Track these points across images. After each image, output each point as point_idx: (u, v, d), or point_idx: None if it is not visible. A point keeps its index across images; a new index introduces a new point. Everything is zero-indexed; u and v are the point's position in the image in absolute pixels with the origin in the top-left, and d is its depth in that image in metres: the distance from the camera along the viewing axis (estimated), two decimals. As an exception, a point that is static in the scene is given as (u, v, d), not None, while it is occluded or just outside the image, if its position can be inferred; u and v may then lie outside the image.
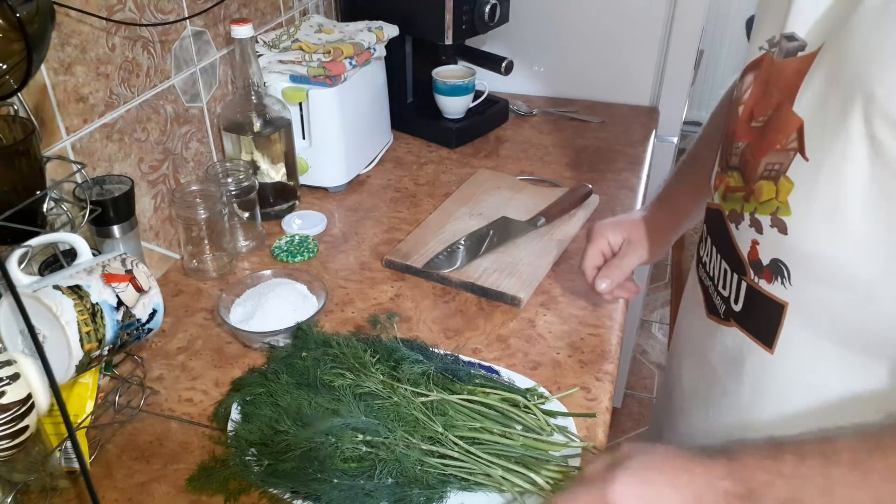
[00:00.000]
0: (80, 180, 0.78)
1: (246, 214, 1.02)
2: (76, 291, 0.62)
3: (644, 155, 1.31)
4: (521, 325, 0.88)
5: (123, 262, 0.68)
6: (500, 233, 1.03)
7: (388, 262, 0.99)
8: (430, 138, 1.36)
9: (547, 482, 0.63)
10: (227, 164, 1.01)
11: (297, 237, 1.04)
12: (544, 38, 1.51)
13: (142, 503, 0.66)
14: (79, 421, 0.67)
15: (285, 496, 0.64)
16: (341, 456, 0.62)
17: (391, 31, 1.23)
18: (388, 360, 0.73)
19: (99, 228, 0.83)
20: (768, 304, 0.59)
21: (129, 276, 0.67)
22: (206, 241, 0.97)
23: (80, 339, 0.61)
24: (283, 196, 1.12)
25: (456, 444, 0.65)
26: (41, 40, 0.58)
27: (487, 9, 1.26)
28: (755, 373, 0.64)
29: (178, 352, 0.85)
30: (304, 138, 1.15)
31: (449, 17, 1.22)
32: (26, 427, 0.58)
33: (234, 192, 0.98)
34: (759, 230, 0.58)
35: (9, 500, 0.63)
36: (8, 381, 0.56)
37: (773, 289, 0.59)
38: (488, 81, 1.39)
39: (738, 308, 0.64)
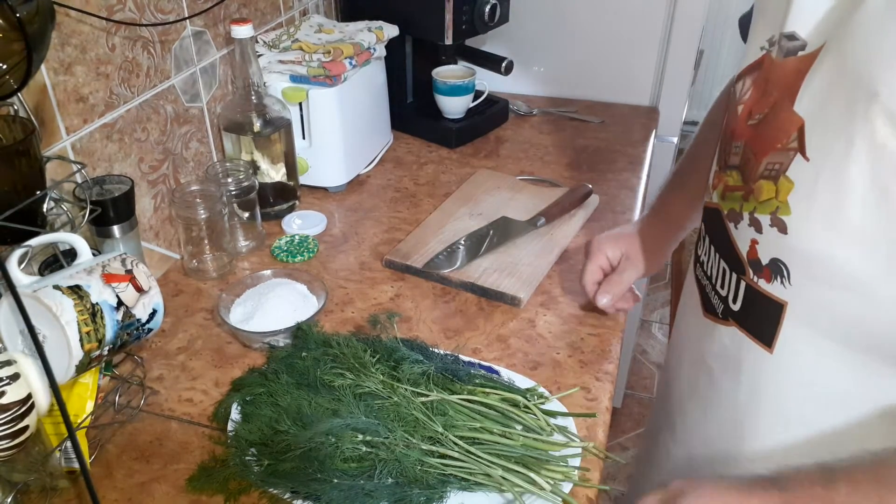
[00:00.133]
0: (80, 180, 0.78)
1: (246, 214, 1.02)
2: (76, 291, 0.62)
3: (644, 155, 1.31)
4: (521, 325, 0.88)
5: (123, 262, 0.68)
6: (500, 233, 1.03)
7: (388, 262, 0.99)
8: (430, 138, 1.36)
9: (547, 482, 0.63)
10: (227, 164, 1.01)
11: (297, 237, 1.04)
12: (544, 38, 1.51)
13: (142, 503, 0.66)
14: (79, 421, 0.67)
15: (285, 496, 0.64)
16: (341, 456, 0.62)
17: (391, 31, 1.23)
18: (388, 360, 0.73)
19: (99, 228, 0.83)
20: (767, 303, 0.59)
21: (129, 276, 0.67)
22: (206, 241, 0.97)
23: (80, 339, 0.61)
24: (283, 196, 1.12)
25: (456, 444, 0.65)
26: (41, 40, 0.58)
27: (487, 9, 1.26)
28: (753, 372, 0.64)
29: (178, 352, 0.85)
30: (304, 138, 1.15)
31: (449, 17, 1.22)
32: (26, 427, 0.58)
33: (234, 192, 0.98)
34: (759, 229, 0.58)
35: (9, 500, 0.64)
36: (8, 381, 0.56)
37: (773, 288, 0.59)
38: (488, 81, 1.39)
39: (736, 307, 0.64)
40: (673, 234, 0.88)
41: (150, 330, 0.69)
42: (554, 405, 0.73)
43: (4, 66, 0.58)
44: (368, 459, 0.63)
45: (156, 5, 0.90)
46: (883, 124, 0.47)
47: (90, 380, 0.68)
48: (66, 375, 0.62)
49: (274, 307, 0.83)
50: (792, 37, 0.55)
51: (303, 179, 1.16)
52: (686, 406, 0.76)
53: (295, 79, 1.11)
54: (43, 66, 0.75)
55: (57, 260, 0.73)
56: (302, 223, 1.09)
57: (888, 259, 0.50)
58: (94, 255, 0.68)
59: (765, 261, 0.58)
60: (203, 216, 0.93)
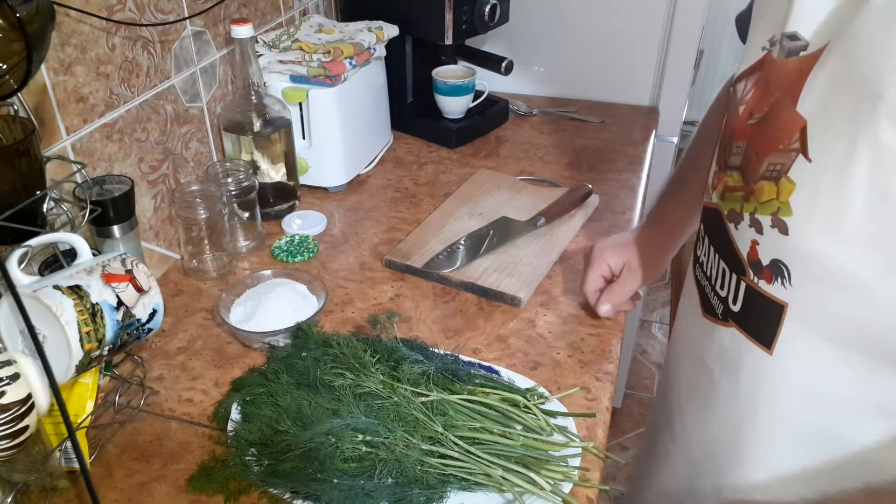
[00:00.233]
0: (80, 180, 0.78)
1: (246, 214, 1.02)
2: (76, 291, 0.62)
3: (644, 155, 1.31)
4: (521, 325, 0.88)
5: (123, 262, 0.68)
6: (500, 233, 1.03)
7: (388, 262, 0.99)
8: (430, 138, 1.36)
9: (547, 482, 0.63)
10: (227, 164, 1.01)
11: (297, 237, 1.04)
12: (544, 38, 1.51)
13: (142, 503, 0.66)
14: (79, 421, 0.67)
15: (285, 496, 0.64)
16: (341, 456, 0.62)
17: (391, 31, 1.23)
18: (388, 360, 0.73)
19: (99, 228, 0.83)
20: (768, 304, 0.59)
21: (129, 276, 0.67)
22: (206, 241, 0.97)
23: (80, 339, 0.61)
24: (283, 196, 1.12)
25: (456, 444, 0.65)
26: (41, 40, 0.57)
27: (487, 9, 1.26)
28: (752, 373, 0.63)
29: (178, 352, 0.85)
30: (304, 138, 1.15)
31: (449, 17, 1.22)
32: (26, 427, 0.58)
33: (234, 192, 0.98)
34: (760, 230, 0.58)
35: (9, 500, 0.63)
36: (8, 381, 0.56)
37: (773, 289, 0.58)
38: (488, 81, 1.39)
39: (736, 308, 0.63)
40: (672, 243, 0.89)
41: (150, 330, 0.69)
42: (554, 405, 0.73)
43: (4, 66, 0.58)
44: (368, 459, 0.63)
45: (156, 5, 0.90)
46: (888, 125, 0.47)
47: (90, 380, 0.68)
48: (66, 375, 0.62)
49: (274, 307, 0.83)
50: (794, 37, 0.55)
51: (303, 179, 1.16)
52: (685, 407, 0.76)
53: (295, 79, 1.11)
54: (43, 66, 0.75)
55: (57, 260, 0.73)
56: (302, 223, 1.09)
57: (890, 260, 0.50)
58: (94, 255, 0.68)
59: (765, 262, 0.58)
60: (203, 216, 0.93)
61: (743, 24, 0.73)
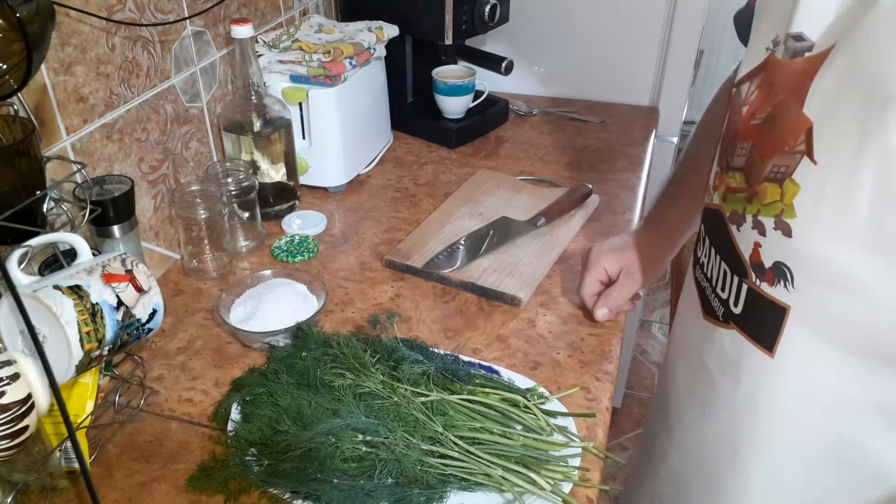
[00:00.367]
0: (80, 180, 0.77)
1: (246, 214, 1.02)
2: (76, 291, 0.62)
3: (644, 155, 1.31)
4: (521, 325, 0.88)
5: (123, 262, 0.68)
6: (500, 233, 1.03)
7: (388, 262, 0.99)
8: (430, 138, 1.36)
9: (547, 482, 0.63)
10: (227, 164, 1.01)
11: (297, 237, 1.04)
12: (544, 38, 1.51)
13: (142, 503, 0.66)
14: (79, 421, 0.67)
15: (285, 496, 0.64)
16: (341, 456, 0.62)
17: (391, 31, 1.23)
18: (388, 360, 0.73)
19: (99, 228, 0.82)
20: (770, 307, 0.59)
21: (129, 276, 0.67)
22: (206, 241, 0.97)
23: (80, 339, 0.61)
24: (283, 196, 1.12)
25: (456, 444, 0.65)
26: (41, 40, 0.57)
27: (487, 9, 1.26)
28: (753, 375, 0.63)
29: (178, 352, 0.85)
30: (304, 138, 1.15)
31: (449, 17, 1.22)
32: (26, 427, 0.58)
33: (234, 192, 0.98)
34: (762, 232, 0.58)
35: (9, 500, 0.63)
36: (8, 381, 0.56)
37: (775, 292, 0.58)
38: (488, 81, 1.39)
39: (737, 310, 0.63)
40: (672, 245, 0.88)
41: (150, 330, 0.69)
42: (554, 405, 0.73)
43: (4, 66, 0.58)
44: (368, 459, 0.63)
45: (156, 5, 0.90)
46: None
47: (90, 380, 0.68)
48: (66, 375, 0.62)
49: (274, 307, 0.83)
50: (799, 37, 0.54)
51: (303, 179, 1.16)
52: (683, 408, 0.76)
53: (295, 79, 1.11)
54: (43, 66, 0.75)
55: (57, 260, 0.73)
56: (302, 223, 1.09)
57: (893, 263, 0.50)
58: (94, 255, 0.68)
59: (768, 264, 0.58)
60: (203, 216, 0.93)
61: (741, 21, 0.72)
